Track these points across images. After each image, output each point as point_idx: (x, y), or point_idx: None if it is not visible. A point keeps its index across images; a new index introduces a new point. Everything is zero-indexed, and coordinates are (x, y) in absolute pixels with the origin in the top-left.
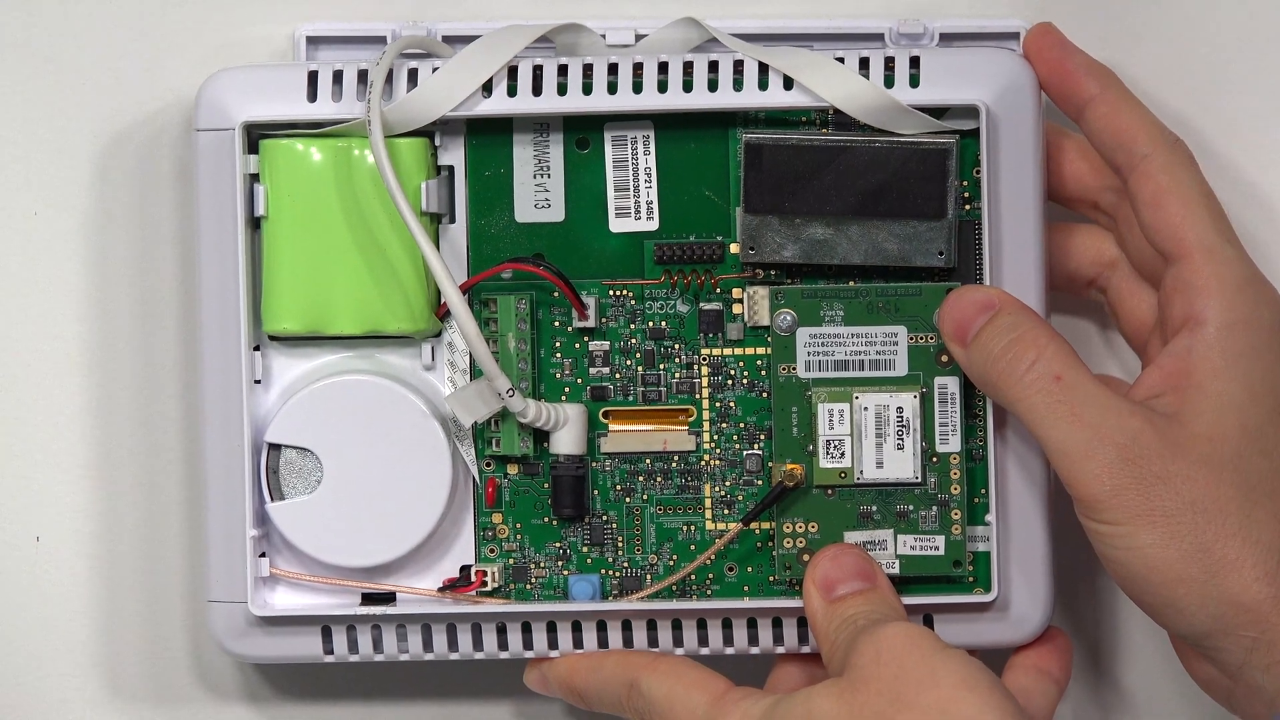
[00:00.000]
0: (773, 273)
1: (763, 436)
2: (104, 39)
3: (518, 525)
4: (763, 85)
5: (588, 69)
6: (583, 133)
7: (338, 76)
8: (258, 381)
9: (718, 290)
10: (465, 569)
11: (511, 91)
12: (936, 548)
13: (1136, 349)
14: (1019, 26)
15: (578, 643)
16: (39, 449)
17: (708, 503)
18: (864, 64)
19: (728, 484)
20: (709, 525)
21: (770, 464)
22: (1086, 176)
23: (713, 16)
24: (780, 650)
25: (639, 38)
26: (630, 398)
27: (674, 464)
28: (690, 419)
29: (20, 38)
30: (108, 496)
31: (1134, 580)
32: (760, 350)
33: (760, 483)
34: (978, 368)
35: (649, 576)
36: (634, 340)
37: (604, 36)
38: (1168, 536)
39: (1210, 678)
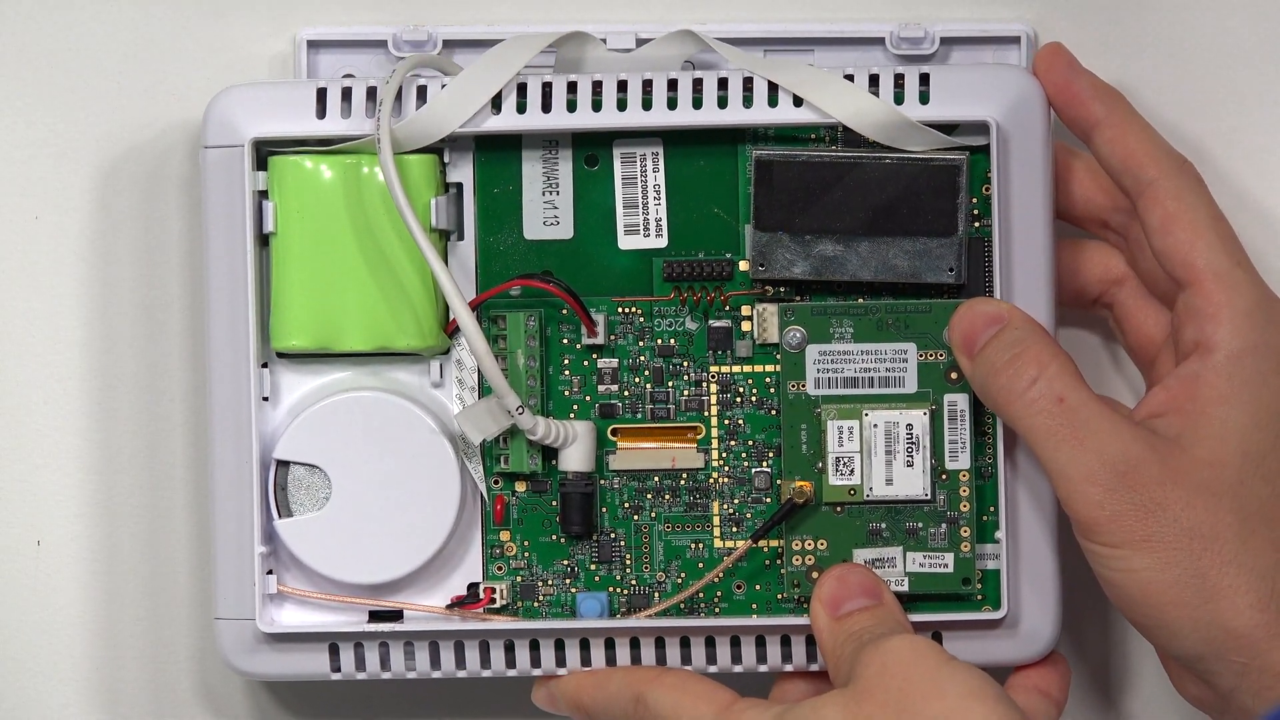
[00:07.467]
0: (782, 289)
1: (771, 454)
2: (105, 49)
3: (526, 542)
4: (772, 102)
5: (597, 86)
6: (592, 149)
7: (346, 93)
8: (266, 399)
9: (727, 307)
10: (473, 586)
11: (520, 108)
12: (945, 565)
13: (1141, 366)
14: (1020, 31)
15: (585, 660)
16: (42, 466)
17: (716, 520)
18: (874, 81)
19: (736, 501)
20: (717, 543)
21: (779, 481)
22: (1096, 196)
23: (713, 20)
24: (788, 668)
25: (640, 42)
26: (639, 415)
27: (682, 481)
28: (699, 436)
29: (21, 53)
30: (111, 515)
31: (1128, 601)
32: (769, 367)
33: (769, 500)
34: (980, 380)
35: (657, 594)
36: (643, 358)
37: (604, 40)
38: (1163, 562)
39: (1202, 696)
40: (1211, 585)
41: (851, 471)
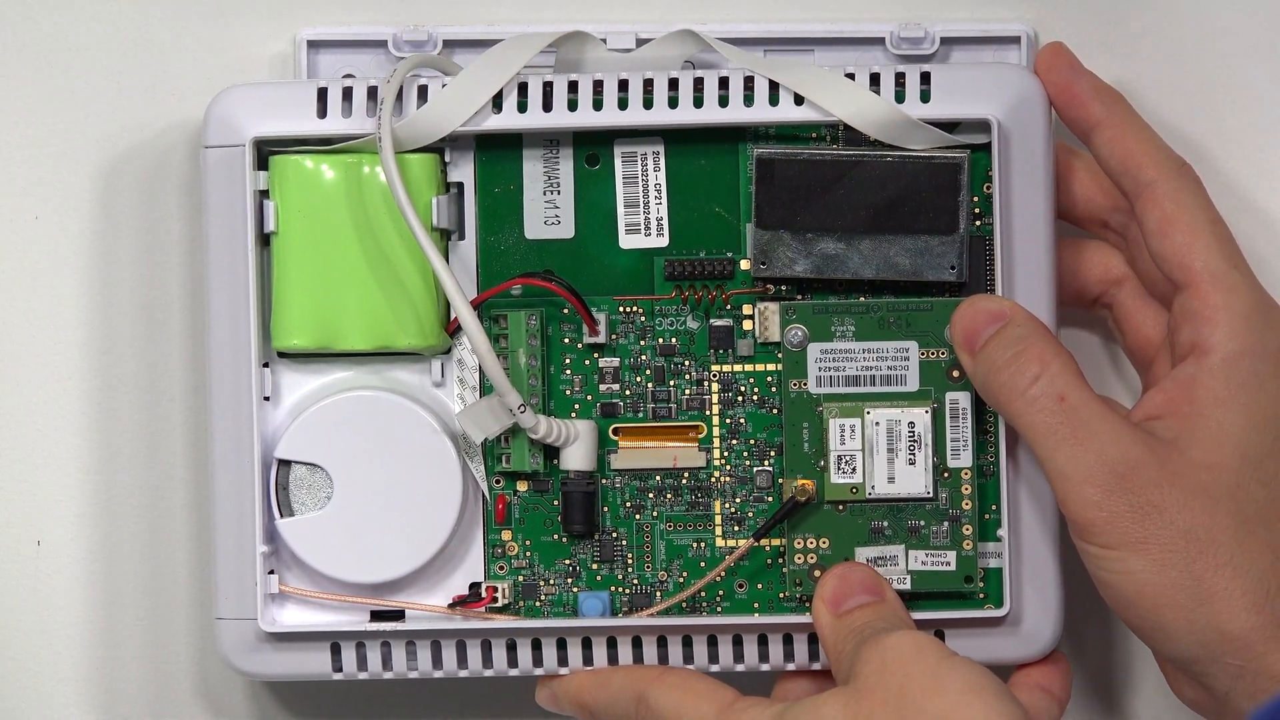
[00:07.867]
0: (783, 288)
1: (773, 453)
2: (105, 49)
3: (527, 542)
4: (773, 100)
5: (598, 85)
6: (593, 148)
7: (347, 93)
8: (267, 398)
9: (728, 306)
10: (475, 586)
11: (521, 107)
12: (948, 563)
13: (1139, 367)
14: (1020, 31)
15: (588, 659)
16: (42, 466)
17: (718, 519)
18: (874, 79)
19: (738, 500)
20: (719, 541)
21: (781, 479)
22: (1096, 196)
23: (713, 20)
24: (790, 667)
25: (640, 42)
26: (640, 414)
27: (684, 480)
28: (700, 435)
29: (21, 53)
30: (111, 515)
31: (1124, 603)
32: (771, 366)
33: (771, 499)
34: (981, 378)
35: (659, 593)
36: (644, 357)
37: (604, 40)
38: (1159, 564)
39: (1198, 699)
40: (1207, 588)
41: (853, 470)
